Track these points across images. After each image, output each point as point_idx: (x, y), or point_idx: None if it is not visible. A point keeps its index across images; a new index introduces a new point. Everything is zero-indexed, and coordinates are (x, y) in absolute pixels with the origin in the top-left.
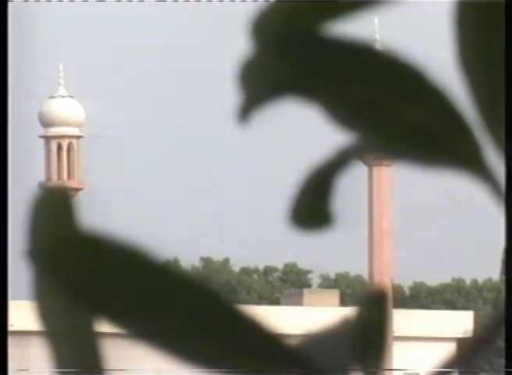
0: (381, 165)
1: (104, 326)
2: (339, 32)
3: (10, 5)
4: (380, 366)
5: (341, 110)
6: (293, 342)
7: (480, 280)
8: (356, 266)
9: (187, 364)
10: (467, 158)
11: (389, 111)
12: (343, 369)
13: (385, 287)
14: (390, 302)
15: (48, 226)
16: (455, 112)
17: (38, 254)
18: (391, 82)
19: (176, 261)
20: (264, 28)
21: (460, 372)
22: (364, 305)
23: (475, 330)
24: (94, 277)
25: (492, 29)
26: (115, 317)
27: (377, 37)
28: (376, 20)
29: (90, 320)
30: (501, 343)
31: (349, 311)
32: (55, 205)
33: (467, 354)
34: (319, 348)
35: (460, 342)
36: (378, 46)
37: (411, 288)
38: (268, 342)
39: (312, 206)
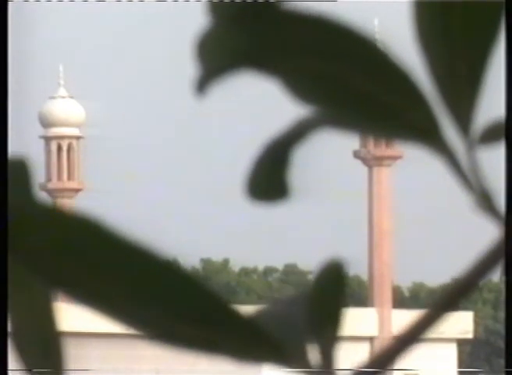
0: (381, 165)
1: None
2: (296, 4)
3: (10, 5)
4: (337, 337)
5: (299, 82)
6: (249, 313)
7: (480, 281)
8: (356, 267)
9: (133, 329)
10: (424, 131)
11: (348, 84)
12: (344, 369)
13: (341, 258)
14: (346, 273)
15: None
16: (412, 85)
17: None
18: (350, 55)
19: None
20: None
21: (460, 372)
22: (319, 276)
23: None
24: (51, 250)
25: (450, 6)
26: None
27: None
28: None
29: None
30: (501, 343)
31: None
32: (12, 178)
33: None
34: (275, 318)
35: (460, 342)
36: (335, 19)
37: (411, 289)
38: (222, 312)
39: (268, 178)
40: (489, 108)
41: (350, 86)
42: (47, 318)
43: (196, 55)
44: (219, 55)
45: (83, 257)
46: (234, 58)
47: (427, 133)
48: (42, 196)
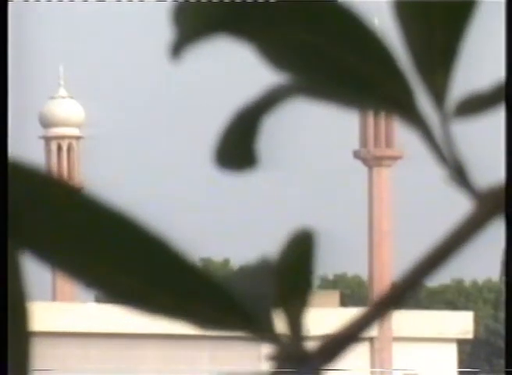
0: (381, 165)
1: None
2: None
3: (10, 5)
4: (303, 309)
5: (274, 50)
6: (217, 279)
7: (480, 281)
8: (355, 267)
9: (107, 299)
10: (399, 102)
11: (323, 53)
12: (344, 370)
13: (308, 229)
14: (314, 243)
15: None
16: (389, 57)
17: None
18: (326, 24)
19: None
20: None
21: (460, 372)
22: (287, 244)
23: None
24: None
25: None
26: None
27: None
28: None
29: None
30: (501, 343)
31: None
32: None
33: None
34: (243, 287)
35: (461, 343)
36: None
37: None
38: (192, 279)
39: (237, 146)
40: (464, 81)
41: (324, 55)
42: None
43: (172, 20)
44: (196, 21)
45: (61, 221)
46: (210, 22)
47: (401, 105)
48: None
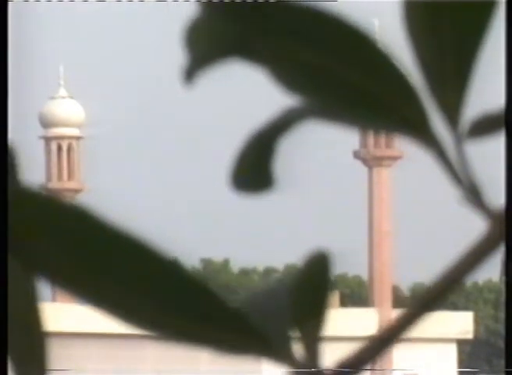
0: (381, 165)
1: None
2: None
3: (10, 5)
4: (319, 330)
5: (287, 72)
6: (233, 304)
7: (480, 281)
8: (355, 267)
9: (122, 323)
10: (412, 123)
11: (336, 75)
12: (343, 370)
13: (327, 249)
14: (331, 264)
15: None
16: (403, 78)
17: None
18: (339, 45)
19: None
20: None
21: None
22: (303, 266)
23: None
24: (35, 235)
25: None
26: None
27: None
28: None
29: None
30: (501, 343)
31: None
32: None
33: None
34: (258, 309)
35: (461, 343)
36: (326, 9)
37: (412, 289)
38: (206, 302)
39: (253, 168)
40: (478, 101)
41: (338, 77)
42: (32, 318)
43: (183, 43)
44: (208, 44)
45: (75, 247)
46: (223, 46)
47: (415, 126)
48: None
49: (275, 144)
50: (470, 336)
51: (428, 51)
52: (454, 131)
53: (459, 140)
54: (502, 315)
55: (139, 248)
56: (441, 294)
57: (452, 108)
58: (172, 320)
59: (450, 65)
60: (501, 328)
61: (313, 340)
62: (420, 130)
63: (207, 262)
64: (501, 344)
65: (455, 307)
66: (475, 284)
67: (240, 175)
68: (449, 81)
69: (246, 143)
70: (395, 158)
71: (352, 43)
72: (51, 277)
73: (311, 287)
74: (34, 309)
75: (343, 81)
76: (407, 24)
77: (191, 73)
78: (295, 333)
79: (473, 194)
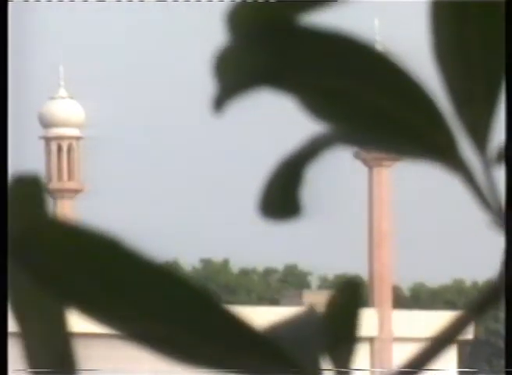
0: (381, 165)
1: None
2: (314, 22)
3: (10, 5)
4: (350, 357)
5: (316, 100)
6: (265, 333)
7: (480, 281)
8: (355, 268)
9: (163, 358)
10: (441, 150)
11: (364, 101)
12: (343, 370)
13: (359, 278)
14: (362, 294)
15: (19, 214)
16: (430, 103)
17: (12, 243)
18: (366, 72)
19: (175, 262)
20: (240, 17)
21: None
22: (334, 294)
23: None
24: (68, 267)
25: (467, 23)
26: (87, 308)
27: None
28: (376, 21)
29: (64, 315)
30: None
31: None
32: (26, 193)
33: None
34: (290, 340)
35: (461, 343)
36: (352, 36)
37: (412, 289)
38: (237, 329)
39: (282, 196)
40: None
41: (365, 103)
42: (58, 322)
43: (214, 72)
44: (237, 73)
45: (96, 272)
46: (251, 75)
47: (444, 151)
48: (53, 211)
49: (302, 171)
50: (470, 336)
51: (455, 75)
52: (482, 156)
53: (487, 164)
54: (502, 315)
55: (172, 278)
56: (494, 297)
57: (480, 133)
58: (206, 349)
59: (478, 89)
60: (501, 328)
61: (343, 366)
62: (448, 155)
63: (207, 262)
64: (501, 344)
65: (455, 307)
66: (475, 284)
67: (269, 202)
68: (477, 106)
69: (274, 170)
70: (395, 159)
71: (377, 68)
72: (85, 308)
73: (343, 316)
74: (66, 341)
75: (370, 107)
76: (434, 47)
77: (221, 102)
78: (326, 359)
79: (501, 219)
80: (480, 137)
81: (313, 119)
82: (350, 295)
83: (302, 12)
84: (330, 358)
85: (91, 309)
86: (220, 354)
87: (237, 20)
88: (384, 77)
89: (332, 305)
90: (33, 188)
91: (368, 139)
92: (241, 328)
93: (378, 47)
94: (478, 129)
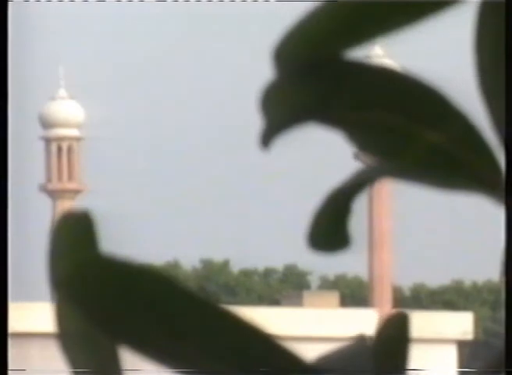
0: None
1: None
2: (360, 56)
3: (10, 5)
4: None
5: (363, 134)
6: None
7: (480, 282)
8: (355, 267)
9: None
10: (489, 182)
11: (410, 134)
12: (343, 370)
13: (405, 314)
14: (408, 326)
15: (69, 252)
16: (476, 135)
17: (60, 280)
18: (412, 105)
19: (176, 262)
20: (287, 53)
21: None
22: (383, 325)
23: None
24: (116, 303)
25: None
26: (139, 345)
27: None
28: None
29: (114, 349)
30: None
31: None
32: (75, 230)
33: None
34: (340, 365)
35: (460, 343)
36: (398, 69)
37: (412, 289)
38: (282, 358)
39: (330, 229)
40: None
41: (413, 136)
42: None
43: (261, 108)
44: (284, 109)
45: (150, 309)
46: (298, 111)
47: (490, 183)
48: (106, 249)
49: (350, 204)
50: (469, 337)
51: (502, 109)
52: None
53: None
54: (501, 315)
55: (220, 312)
56: None
57: None
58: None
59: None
60: (500, 329)
61: None
62: (495, 188)
63: (207, 263)
64: (500, 345)
65: (454, 307)
66: (475, 285)
67: (318, 235)
68: None
69: (322, 204)
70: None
71: (424, 102)
72: (139, 346)
73: (392, 346)
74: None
75: (417, 141)
76: (479, 78)
77: (267, 138)
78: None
79: None
80: None
81: (361, 153)
82: (396, 328)
83: (348, 46)
84: None
85: (141, 347)
86: None
87: (284, 54)
88: (429, 110)
89: (380, 336)
90: (84, 226)
91: (414, 172)
92: (285, 356)
93: (423, 80)
94: None
